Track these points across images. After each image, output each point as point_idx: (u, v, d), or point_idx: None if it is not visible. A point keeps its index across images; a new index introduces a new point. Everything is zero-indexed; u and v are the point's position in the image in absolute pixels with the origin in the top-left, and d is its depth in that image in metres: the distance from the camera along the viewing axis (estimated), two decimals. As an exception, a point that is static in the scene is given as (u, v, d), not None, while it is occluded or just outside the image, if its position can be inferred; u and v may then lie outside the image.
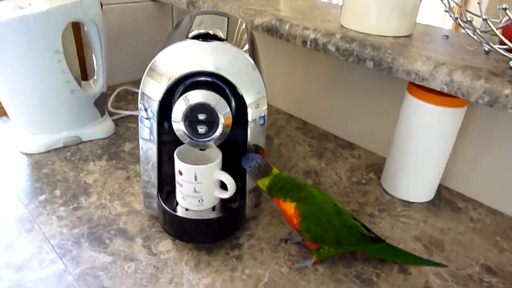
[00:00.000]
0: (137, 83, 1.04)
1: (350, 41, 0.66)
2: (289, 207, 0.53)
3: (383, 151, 0.83)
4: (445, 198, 0.72)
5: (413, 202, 0.70)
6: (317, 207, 0.54)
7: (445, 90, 0.58)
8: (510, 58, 0.58)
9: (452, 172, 0.74)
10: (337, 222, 0.54)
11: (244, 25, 0.65)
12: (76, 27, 0.91)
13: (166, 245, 0.57)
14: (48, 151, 0.76)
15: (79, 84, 0.75)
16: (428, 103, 0.62)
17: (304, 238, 0.54)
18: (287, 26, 0.74)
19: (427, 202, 0.71)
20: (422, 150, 0.66)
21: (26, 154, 0.75)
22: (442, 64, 0.58)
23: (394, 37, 0.69)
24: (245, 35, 0.61)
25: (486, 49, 0.65)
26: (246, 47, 0.57)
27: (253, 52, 0.59)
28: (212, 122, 0.50)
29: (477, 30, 0.60)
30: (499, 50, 0.58)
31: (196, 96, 0.49)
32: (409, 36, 0.71)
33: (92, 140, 0.80)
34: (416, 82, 0.60)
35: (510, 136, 0.66)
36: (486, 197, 0.71)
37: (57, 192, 0.66)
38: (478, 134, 0.69)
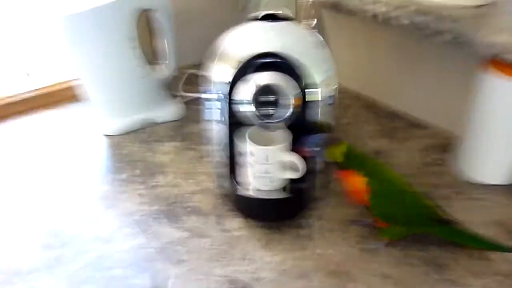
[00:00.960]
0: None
1: (425, 13, 0.62)
2: (360, 182, 0.52)
3: (458, 130, 0.78)
4: (530, 181, 0.67)
5: (493, 185, 0.66)
6: (389, 183, 0.52)
7: (536, 63, 0.53)
8: None
9: (540, 152, 0.68)
10: (409, 200, 0.52)
11: (310, 1, 0.64)
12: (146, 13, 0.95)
13: (238, 223, 0.60)
14: (127, 133, 0.81)
15: (152, 69, 0.79)
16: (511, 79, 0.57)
17: (374, 216, 0.53)
18: (356, 0, 0.71)
19: (507, 184, 0.66)
20: (502, 129, 0.62)
21: (107, 136, 0.81)
22: (533, 34, 0.53)
23: (474, 6, 0.64)
24: (313, 12, 0.60)
25: None
26: (314, 24, 0.56)
27: (321, 30, 0.58)
28: (281, 103, 0.50)
29: None
30: None
31: (265, 78, 0.50)
32: (492, 5, 0.65)
33: (165, 122, 0.84)
34: (501, 55, 0.55)
35: None
36: None
37: (137, 171, 0.71)
38: None
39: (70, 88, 0.91)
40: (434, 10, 0.62)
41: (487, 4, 0.65)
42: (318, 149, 0.53)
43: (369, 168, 0.53)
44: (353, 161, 0.53)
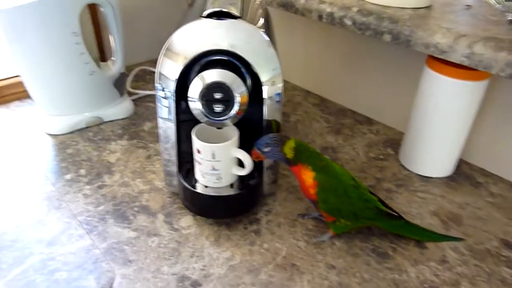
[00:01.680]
0: (154, 62, 1.05)
1: (367, 14, 0.65)
2: (308, 176, 0.54)
3: (402, 126, 0.83)
4: (464, 173, 0.72)
5: (432, 177, 0.70)
6: (335, 178, 0.54)
7: (466, 63, 0.56)
8: (535, 27, 0.56)
9: (473, 146, 0.73)
10: (354, 195, 0.54)
11: (258, 0, 0.65)
12: (93, 9, 0.92)
13: (187, 221, 0.59)
14: (72, 132, 0.78)
15: (98, 65, 0.77)
16: (448, 77, 0.61)
17: (321, 210, 0.55)
18: (302, 0, 0.73)
19: (446, 177, 0.71)
20: (441, 125, 0.66)
21: (51, 135, 0.77)
22: (462, 36, 0.56)
23: (413, 8, 0.68)
24: (260, 11, 0.61)
25: (510, 18, 0.63)
26: (261, 23, 0.57)
27: (268, 29, 0.58)
28: (228, 100, 0.50)
29: (500, -1, 0.58)
30: (523, 19, 0.56)
31: (212, 75, 0.50)
32: (428, 7, 0.69)
33: (112, 120, 0.82)
34: (435, 55, 0.59)
35: (533, 108, 0.64)
36: (508, 172, 0.70)
37: (82, 171, 0.68)
38: (500, 108, 0.68)
39: (12, 86, 0.87)
40: (375, 11, 0.65)
41: (424, 7, 0.69)
42: (268, 149, 0.54)
43: (317, 163, 0.54)
44: (302, 156, 0.54)
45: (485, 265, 0.55)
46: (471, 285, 0.52)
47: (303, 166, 0.54)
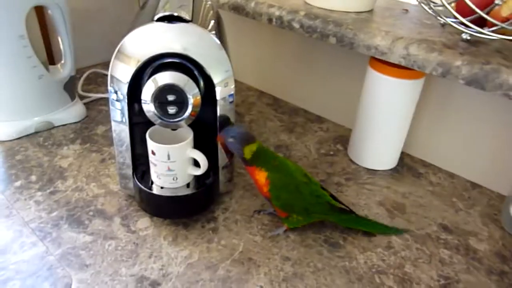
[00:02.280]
0: (106, 65, 1.03)
1: (313, 18, 0.68)
2: (262, 176, 0.56)
3: (350, 123, 0.87)
4: (407, 165, 0.77)
5: (378, 170, 0.75)
6: (287, 176, 0.57)
7: (403, 63, 0.61)
8: (462, 30, 0.62)
9: (414, 140, 0.79)
10: (305, 191, 0.57)
11: (209, 3, 0.66)
12: (40, 11, 0.89)
13: (144, 223, 0.60)
14: (20, 138, 0.76)
15: (47, 69, 0.75)
16: (388, 76, 0.66)
17: (274, 207, 0.58)
18: (252, 4, 0.75)
19: (390, 169, 0.76)
20: (384, 121, 0.70)
21: (-3, 141, 0.75)
22: (399, 38, 0.61)
23: (356, 12, 0.72)
24: (210, 13, 0.62)
25: (442, 22, 0.68)
26: (212, 26, 0.58)
27: (219, 32, 0.60)
28: (181, 102, 0.52)
29: (431, 4, 0.64)
30: (451, 23, 0.62)
31: (165, 78, 0.51)
32: (370, 11, 0.74)
33: (64, 125, 0.80)
34: (376, 56, 0.63)
35: (465, 104, 0.70)
36: (445, 162, 0.76)
37: (33, 178, 0.67)
38: (436, 103, 0.74)
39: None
40: (321, 15, 0.69)
41: (366, 11, 0.73)
42: (231, 140, 0.56)
43: (271, 164, 0.57)
44: (258, 158, 0.56)
45: (426, 248, 0.59)
46: (414, 267, 0.56)
47: (257, 168, 0.57)
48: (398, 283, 0.54)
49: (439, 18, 0.65)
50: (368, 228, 0.62)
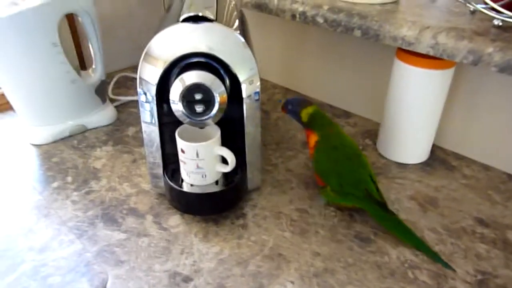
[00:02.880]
0: (134, 68, 1.06)
1: (337, 12, 0.68)
2: (313, 139, 0.61)
3: (377, 117, 0.86)
4: (439, 158, 0.75)
5: (408, 164, 0.73)
6: (335, 146, 0.60)
7: (431, 53, 0.60)
8: (493, 17, 0.60)
9: (446, 132, 0.76)
10: (346, 167, 0.58)
11: (233, 3, 0.67)
12: (71, 18, 0.93)
13: (175, 220, 0.61)
14: (56, 141, 0.79)
15: (79, 74, 0.78)
16: (416, 67, 0.64)
17: (315, 172, 0.61)
18: (275, 1, 0.75)
19: (421, 163, 0.74)
20: (414, 113, 0.69)
21: (35, 145, 0.78)
22: (426, 27, 0.60)
23: (380, 4, 0.71)
24: (235, 13, 0.63)
25: (471, 9, 0.66)
26: (236, 25, 0.59)
27: (243, 30, 0.61)
28: (208, 101, 0.52)
29: (460, -8, 0.62)
30: (482, 9, 0.60)
31: (192, 77, 0.52)
32: (396, 2, 0.72)
33: (96, 128, 0.83)
34: (403, 47, 0.62)
35: (498, 93, 0.68)
36: (479, 154, 0.74)
37: (69, 179, 0.69)
38: (468, 93, 0.71)
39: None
40: (345, 8, 0.68)
41: (391, 2, 0.72)
42: (290, 107, 0.64)
43: (325, 130, 0.61)
44: (314, 122, 0.61)
45: (461, 242, 0.58)
46: (449, 262, 0.55)
47: (312, 131, 0.61)
48: (432, 278, 0.53)
49: (468, 5, 0.63)
50: (406, 239, 0.57)
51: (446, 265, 0.54)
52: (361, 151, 0.62)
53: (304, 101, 0.64)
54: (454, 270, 0.54)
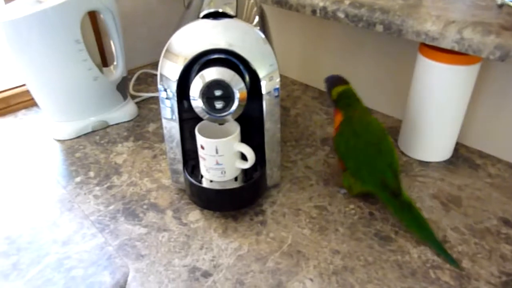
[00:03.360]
0: (155, 65, 1.07)
1: (359, 7, 0.67)
2: (337, 120, 0.61)
3: (399, 114, 0.84)
4: (462, 156, 0.73)
5: (431, 162, 0.72)
6: (355, 131, 0.59)
7: (456, 48, 0.58)
8: (522, 10, 0.57)
9: (469, 129, 0.74)
10: (364, 155, 0.58)
11: (253, -1, 0.66)
12: (93, 16, 0.94)
13: (195, 215, 0.62)
14: (79, 137, 0.81)
15: (101, 71, 0.79)
16: (440, 63, 0.63)
17: (336, 152, 0.62)
18: (296, -3, 0.75)
19: (444, 161, 0.72)
20: (437, 110, 0.67)
21: (58, 140, 0.80)
22: (451, 22, 0.58)
23: (403, -2, 0.69)
24: (254, 9, 0.63)
25: (499, 2, 0.64)
26: (256, 21, 0.59)
27: (263, 26, 0.60)
28: (228, 97, 0.53)
29: (487, -15, 0.60)
30: (510, 3, 0.58)
31: (212, 73, 0.52)
32: (419, -4, 0.70)
33: (118, 124, 0.85)
34: (427, 43, 0.61)
35: (526, 89, 0.66)
36: (505, 152, 0.72)
37: (91, 174, 0.71)
38: (493, 90, 0.69)
39: (19, 95, 0.90)
40: (367, 3, 0.67)
41: (414, -4, 0.70)
42: (326, 84, 0.66)
43: (351, 111, 0.61)
44: (342, 102, 0.61)
45: (485, 242, 0.56)
46: (472, 262, 0.53)
47: (340, 111, 0.61)
48: (455, 279, 0.52)
49: (495, -2, 0.61)
50: (420, 232, 0.56)
51: (452, 261, 0.53)
52: (386, 134, 0.60)
53: (339, 80, 0.64)
54: (458, 268, 0.53)
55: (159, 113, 0.88)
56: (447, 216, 0.61)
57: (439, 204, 0.63)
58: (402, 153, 0.74)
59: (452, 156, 0.73)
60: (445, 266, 0.53)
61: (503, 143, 0.71)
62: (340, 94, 0.62)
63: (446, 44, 0.59)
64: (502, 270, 0.53)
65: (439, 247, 0.54)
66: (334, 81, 0.65)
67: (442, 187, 0.66)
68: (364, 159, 0.58)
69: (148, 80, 1.02)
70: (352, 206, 0.63)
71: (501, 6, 0.65)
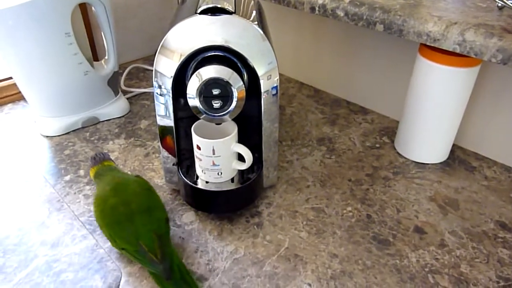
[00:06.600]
0: (146, 59, 1.04)
1: (359, 5, 0.65)
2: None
3: (396, 115, 0.84)
4: (459, 158, 0.73)
5: (427, 164, 0.71)
6: (102, 196, 0.54)
7: (458, 50, 0.57)
8: (524, 13, 0.57)
9: (466, 132, 0.74)
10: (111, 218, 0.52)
11: (251, -5, 0.65)
12: (84, 9, 0.91)
13: (189, 217, 0.60)
14: (68, 133, 0.78)
15: (92, 65, 0.76)
16: (440, 64, 0.62)
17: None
18: (294, -7, 0.73)
19: (441, 162, 0.72)
20: (434, 112, 0.67)
21: (46, 136, 0.77)
22: (454, 23, 0.57)
23: (404, -2, 0.68)
24: (252, 4, 0.61)
25: (499, 5, 0.64)
26: (254, 17, 0.57)
27: (261, 22, 0.59)
28: (226, 96, 0.51)
29: (490, -14, 0.59)
30: (511, 5, 0.57)
31: (209, 72, 0.50)
32: (419, -4, 0.69)
33: (108, 120, 0.82)
34: (428, 44, 0.60)
35: (524, 92, 0.65)
36: (501, 155, 0.72)
37: (81, 172, 0.68)
38: (492, 93, 0.69)
39: (5, 88, 0.86)
40: (367, 2, 0.66)
41: (414, -4, 0.69)
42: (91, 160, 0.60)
43: (103, 181, 0.55)
44: (99, 178, 0.57)
45: (483, 247, 0.56)
46: (470, 267, 0.53)
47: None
48: (453, 284, 0.51)
49: (496, 0, 0.61)
50: None
51: None
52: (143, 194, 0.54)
53: (96, 158, 0.59)
54: None
55: (152, 110, 0.85)
56: (444, 220, 0.60)
57: (437, 207, 0.62)
58: (399, 154, 0.74)
59: (449, 158, 0.73)
60: (443, 271, 0.53)
61: (499, 145, 0.71)
62: (96, 171, 0.57)
63: (447, 45, 0.58)
64: (500, 275, 0.52)
65: None
66: (92, 161, 0.59)
67: (439, 190, 0.66)
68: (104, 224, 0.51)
69: (140, 75, 1.00)
70: (349, 208, 0.62)
71: (501, 8, 0.64)
